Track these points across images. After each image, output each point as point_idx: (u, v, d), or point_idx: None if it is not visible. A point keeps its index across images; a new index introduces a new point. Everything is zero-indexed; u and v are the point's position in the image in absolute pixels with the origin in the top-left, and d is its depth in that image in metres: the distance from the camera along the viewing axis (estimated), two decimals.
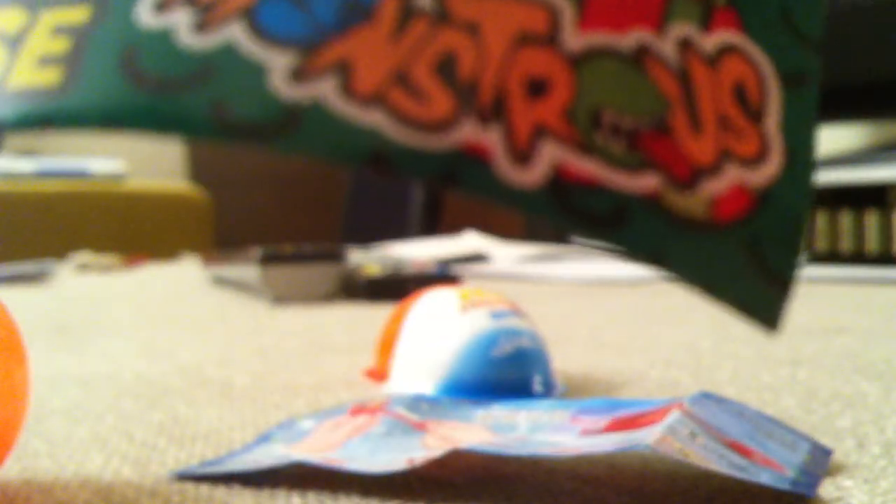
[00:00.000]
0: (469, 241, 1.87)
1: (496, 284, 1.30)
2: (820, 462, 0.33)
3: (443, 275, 1.10)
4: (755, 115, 0.18)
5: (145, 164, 3.36)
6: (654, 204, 0.16)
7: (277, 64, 0.14)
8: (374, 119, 0.14)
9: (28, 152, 3.02)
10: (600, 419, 0.34)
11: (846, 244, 1.60)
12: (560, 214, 0.15)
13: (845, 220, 1.60)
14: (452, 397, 0.44)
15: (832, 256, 1.61)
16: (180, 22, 0.14)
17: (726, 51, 0.17)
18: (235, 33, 0.14)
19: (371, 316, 0.93)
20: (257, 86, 0.14)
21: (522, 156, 0.15)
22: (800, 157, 0.19)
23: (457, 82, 0.15)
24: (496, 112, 0.15)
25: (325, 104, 0.14)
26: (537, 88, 0.15)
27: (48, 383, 0.57)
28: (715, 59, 0.17)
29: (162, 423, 0.44)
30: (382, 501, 0.30)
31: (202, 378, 0.58)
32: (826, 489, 0.31)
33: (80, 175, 2.75)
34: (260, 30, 0.14)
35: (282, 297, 1.09)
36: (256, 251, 1.11)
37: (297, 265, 1.10)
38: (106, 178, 2.80)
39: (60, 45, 0.13)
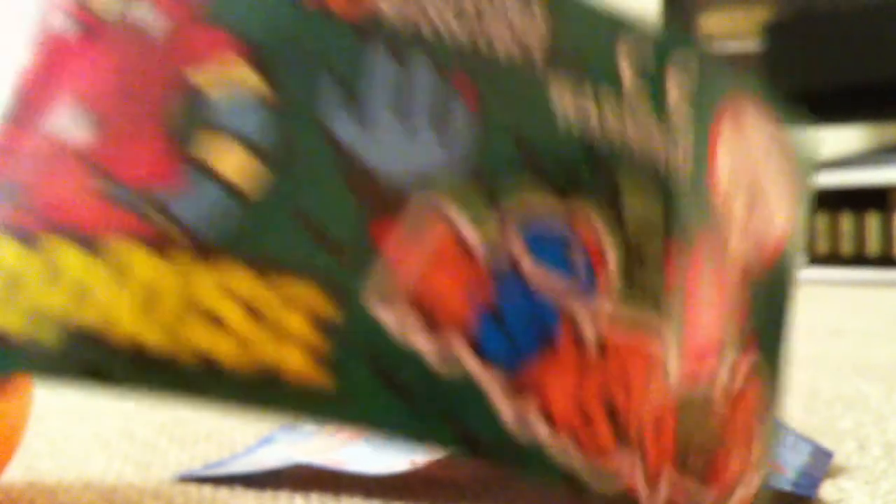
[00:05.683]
0: None
1: None
2: (821, 464, 0.33)
3: None
4: (755, 433, 0.20)
5: None
6: None
7: (495, 385, 0.15)
8: (564, 445, 0.16)
9: None
10: None
11: (847, 246, 1.60)
12: None
13: (846, 222, 1.60)
14: None
15: (833, 258, 1.61)
16: (424, 348, 0.15)
17: (751, 373, 0.20)
18: (465, 358, 0.15)
19: None
20: (484, 406, 0.15)
21: (653, 488, 0.17)
22: (766, 467, 0.21)
23: (615, 415, 0.17)
24: (639, 447, 0.17)
25: (535, 434, 0.15)
26: (659, 425, 0.17)
27: (48, 383, 0.57)
28: (744, 384, 0.20)
29: (163, 423, 0.44)
30: (385, 502, 0.31)
31: None
32: (827, 491, 0.31)
33: None
34: (482, 354, 0.15)
35: None
36: None
37: None
38: None
39: (303, 325, 0.14)
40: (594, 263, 0.16)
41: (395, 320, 0.14)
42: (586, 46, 0.16)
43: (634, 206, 0.16)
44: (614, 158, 0.16)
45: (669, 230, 0.17)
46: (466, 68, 0.16)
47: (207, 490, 0.33)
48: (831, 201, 1.65)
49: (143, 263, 0.14)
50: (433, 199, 0.15)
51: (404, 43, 0.16)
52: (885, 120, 1.65)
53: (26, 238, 0.14)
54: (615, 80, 0.17)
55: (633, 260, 0.16)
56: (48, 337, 0.14)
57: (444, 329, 0.15)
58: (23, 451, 0.39)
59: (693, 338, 0.17)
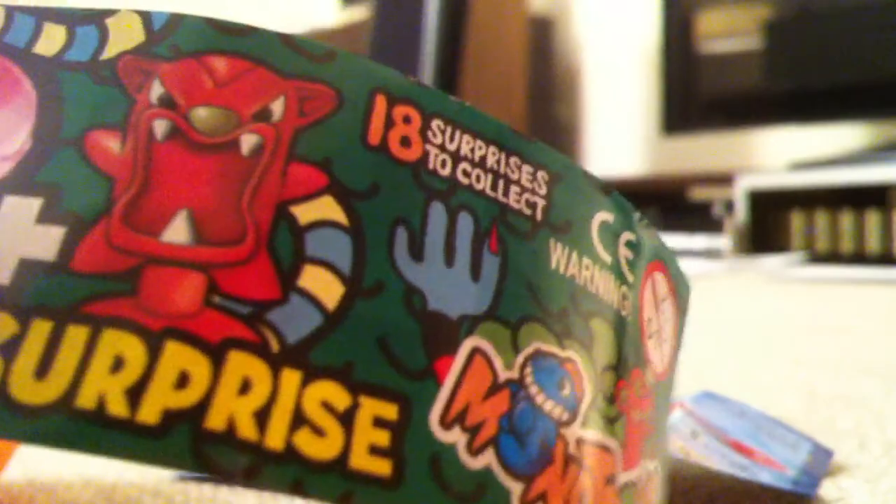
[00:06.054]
0: None
1: None
2: (821, 462, 0.33)
3: None
4: None
5: None
6: None
7: (515, 492, 0.18)
8: None
9: None
10: None
11: (847, 244, 1.60)
12: None
13: (846, 220, 1.60)
14: None
15: (833, 257, 1.61)
16: (459, 441, 0.17)
17: (653, 476, 0.23)
18: (490, 460, 0.17)
19: None
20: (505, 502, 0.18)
21: None
22: None
23: None
24: None
25: None
26: None
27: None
28: (649, 486, 0.23)
29: None
30: None
31: None
32: (827, 489, 0.31)
33: None
34: (502, 459, 0.18)
35: None
36: None
37: None
38: None
39: (383, 439, 0.16)
40: (578, 395, 0.19)
41: (449, 440, 0.17)
42: (573, 214, 0.20)
43: (600, 348, 0.20)
44: (590, 309, 0.20)
45: (618, 368, 0.20)
46: (493, 219, 0.19)
47: (207, 489, 0.33)
48: (831, 199, 1.65)
49: (259, 375, 0.16)
50: (479, 342, 0.18)
51: (450, 189, 0.18)
52: (884, 118, 1.65)
53: (150, 338, 0.15)
54: (589, 243, 0.20)
55: (598, 392, 0.20)
56: (178, 435, 0.15)
57: (482, 447, 0.17)
58: (23, 448, 0.39)
59: (628, 452, 0.21)
